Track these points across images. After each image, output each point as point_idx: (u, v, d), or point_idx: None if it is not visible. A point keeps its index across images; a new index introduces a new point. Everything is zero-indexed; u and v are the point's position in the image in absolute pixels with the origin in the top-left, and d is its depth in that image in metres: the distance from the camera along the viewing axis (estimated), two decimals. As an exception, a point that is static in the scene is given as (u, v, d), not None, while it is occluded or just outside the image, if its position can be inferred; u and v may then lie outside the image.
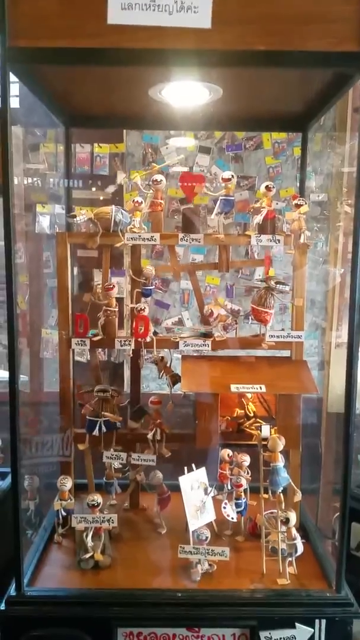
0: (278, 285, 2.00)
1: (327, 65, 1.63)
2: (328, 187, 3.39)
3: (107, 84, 1.92)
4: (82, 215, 2.03)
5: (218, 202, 2.05)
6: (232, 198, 2.05)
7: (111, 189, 2.90)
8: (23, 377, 3.28)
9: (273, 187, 2.05)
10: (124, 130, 3.40)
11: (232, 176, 2.03)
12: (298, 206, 2.03)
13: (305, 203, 2.02)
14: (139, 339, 2.04)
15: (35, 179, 3.43)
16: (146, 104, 2.06)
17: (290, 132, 3.02)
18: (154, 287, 2.20)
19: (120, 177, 2.14)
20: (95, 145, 3.40)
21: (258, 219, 2.03)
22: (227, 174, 2.03)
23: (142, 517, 2.30)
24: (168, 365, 2.19)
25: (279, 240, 2.02)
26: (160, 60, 1.57)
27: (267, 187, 2.04)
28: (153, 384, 3.28)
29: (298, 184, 2.54)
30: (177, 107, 2.06)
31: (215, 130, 3.16)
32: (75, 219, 2.02)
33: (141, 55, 1.54)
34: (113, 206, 2.05)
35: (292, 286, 2.08)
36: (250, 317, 3.39)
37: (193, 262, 3.06)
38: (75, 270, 3.37)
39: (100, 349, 3.43)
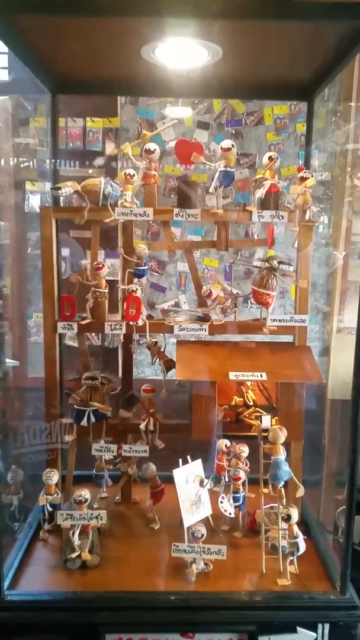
0: (281, 266, 1.81)
1: (338, 17, 1.43)
2: (332, 166, 3.19)
3: (96, 41, 1.70)
4: (68, 187, 1.83)
5: (217, 174, 1.85)
6: (232, 170, 1.85)
7: (100, 161, 2.68)
8: (12, 362, 3.10)
9: (277, 157, 1.85)
10: (118, 104, 3.19)
11: (232, 146, 1.83)
12: (303, 179, 1.83)
13: (312, 176, 1.82)
14: (130, 322, 1.85)
15: (24, 156, 3.22)
16: (138, 67, 1.85)
17: (294, 100, 2.80)
18: (147, 267, 2.01)
19: (110, 148, 1.94)
20: (88, 119, 3.18)
21: (260, 193, 1.83)
22: (226, 143, 1.83)
23: (134, 511, 2.13)
24: (162, 349, 2.00)
25: (282, 217, 1.83)
26: (153, 9, 1.36)
27: (270, 157, 1.84)
28: (149, 369, 3.10)
29: (303, 159, 2.34)
30: (172, 70, 1.85)
31: (213, 98, 2.93)
32: (60, 192, 1.82)
33: (132, 3, 1.34)
34: (102, 178, 1.85)
35: (295, 267, 1.89)
36: (249, 301, 3.21)
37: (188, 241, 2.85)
38: (67, 251, 3.19)
39: (93, 334, 3.25)
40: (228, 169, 1.84)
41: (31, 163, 3.26)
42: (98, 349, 3.25)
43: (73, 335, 2.22)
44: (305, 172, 1.84)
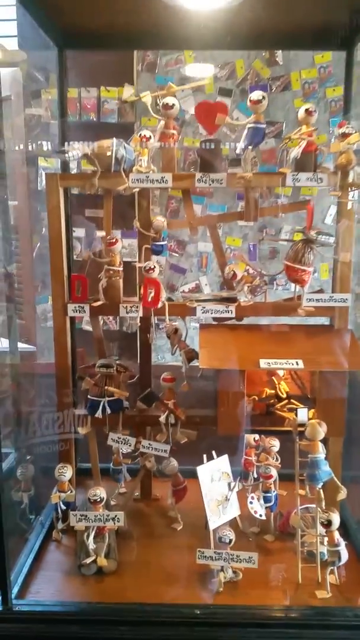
0: (320, 237, 1.55)
1: None
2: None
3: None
4: (76, 150, 1.59)
5: (245, 131, 1.59)
6: (263, 126, 1.58)
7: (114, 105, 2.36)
8: (27, 347, 2.90)
9: (315, 111, 1.57)
10: (134, 72, 2.91)
11: (263, 97, 1.56)
12: (346, 135, 1.55)
13: (356, 131, 1.54)
14: (149, 308, 1.62)
15: (37, 131, 2.98)
16: (155, 13, 1.59)
17: (331, 49, 2.49)
18: (166, 243, 1.77)
19: (128, 93, 1.68)
20: (102, 89, 2.92)
21: (295, 152, 1.56)
22: (256, 95, 1.56)
23: (154, 509, 1.92)
24: (183, 338, 1.77)
25: (321, 179, 1.56)
26: None
27: (307, 110, 1.56)
28: (169, 355, 2.86)
29: (334, 126, 2.04)
30: (194, 14, 1.58)
31: (239, 49, 2.61)
32: (66, 155, 1.58)
33: None
34: (114, 139, 1.60)
35: (336, 238, 1.63)
36: (275, 282, 2.96)
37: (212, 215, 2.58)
38: (83, 232, 2.96)
39: (111, 318, 3.03)
40: (258, 124, 1.57)
41: (46, 143, 3.02)
42: (116, 334, 3.03)
43: (89, 321, 2.01)
44: (347, 127, 1.56)
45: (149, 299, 1.64)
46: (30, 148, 3.01)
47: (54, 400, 1.81)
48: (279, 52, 2.84)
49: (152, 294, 1.64)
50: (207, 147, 1.58)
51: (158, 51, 2.85)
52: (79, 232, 2.87)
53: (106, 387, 1.69)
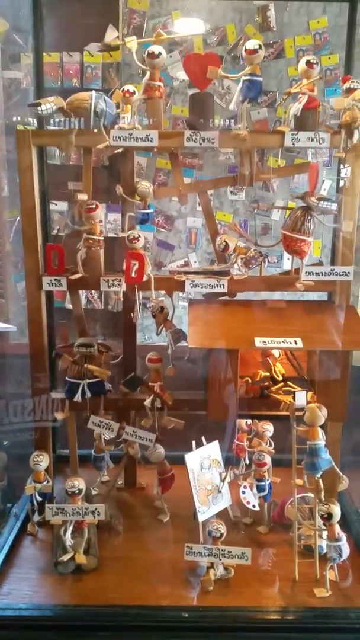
0: (321, 203, 1.35)
1: None
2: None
3: None
4: (50, 103, 1.36)
5: (239, 85, 1.37)
6: (259, 78, 1.37)
7: (93, 47, 2.11)
8: (5, 327, 2.68)
9: (316, 63, 1.36)
10: (120, 35, 2.66)
11: (260, 47, 1.35)
12: (351, 91, 1.35)
13: (362, 85, 1.33)
14: (132, 284, 1.42)
15: (16, 97, 2.72)
16: None
17: (334, 0, 2.26)
18: (152, 211, 1.56)
19: (112, 36, 1.46)
20: (86, 53, 2.66)
21: (295, 108, 1.35)
22: (252, 44, 1.35)
23: (139, 498, 1.74)
24: (170, 318, 1.57)
25: (323, 139, 1.35)
26: None
27: (308, 62, 1.35)
28: (156, 335, 2.67)
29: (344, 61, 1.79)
30: None
31: None
32: (39, 109, 1.36)
33: None
34: (93, 91, 1.38)
35: (338, 206, 1.43)
36: (267, 259, 2.76)
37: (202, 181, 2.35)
38: (65, 206, 2.73)
39: (95, 296, 2.82)
40: (254, 77, 1.36)
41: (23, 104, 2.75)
42: (101, 312, 2.82)
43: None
44: (352, 81, 1.35)
45: (133, 274, 1.44)
46: (9, 121, 2.76)
47: (25, 383, 1.61)
48: (272, 17, 2.60)
49: (136, 268, 1.43)
50: (197, 96, 1.36)
51: (145, 14, 2.60)
52: (61, 205, 2.65)
53: (86, 366, 1.49)
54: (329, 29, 2.64)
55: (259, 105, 2.67)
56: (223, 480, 1.44)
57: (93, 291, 2.74)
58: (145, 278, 1.45)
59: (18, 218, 2.80)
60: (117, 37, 1.46)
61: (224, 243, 1.49)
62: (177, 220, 2.79)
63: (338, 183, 1.47)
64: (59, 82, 2.67)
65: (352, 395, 2.27)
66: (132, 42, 1.43)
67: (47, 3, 1.73)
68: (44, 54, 2.48)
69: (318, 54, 2.66)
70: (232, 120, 1.36)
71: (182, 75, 2.55)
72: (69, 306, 2.58)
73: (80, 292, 2.51)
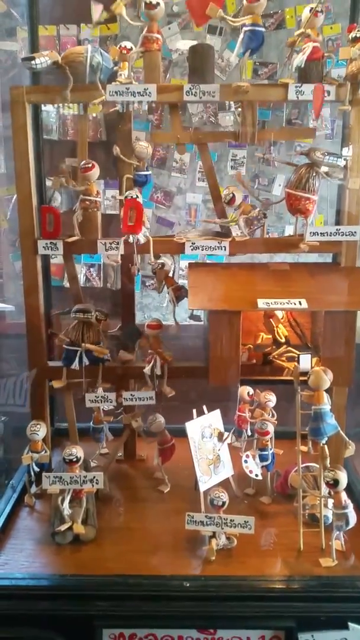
0: (327, 158, 1.28)
1: None
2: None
3: None
4: (44, 57, 1.28)
5: (241, 36, 1.30)
6: (262, 29, 1.30)
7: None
8: (6, 307, 2.62)
9: (321, 11, 1.29)
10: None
11: (262, -7, 1.27)
12: (356, 40, 1.27)
13: (369, 33, 1.26)
14: (129, 234, 1.34)
15: (12, 72, 2.64)
16: None
17: None
18: (150, 173, 1.49)
19: (98, 12, 1.38)
20: (83, 25, 2.58)
21: (299, 59, 1.28)
22: (254, -10, 1.27)
23: (139, 470, 1.67)
24: (170, 275, 1.49)
25: (328, 92, 1.28)
26: None
27: (312, 11, 1.28)
28: (156, 313, 2.61)
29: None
30: None
31: None
32: (33, 63, 1.28)
33: None
34: (88, 45, 1.31)
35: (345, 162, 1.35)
36: (268, 231, 2.69)
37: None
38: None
39: (94, 273, 2.75)
40: (256, 27, 1.28)
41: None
42: (100, 291, 2.76)
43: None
44: (358, 30, 1.28)
45: (130, 222, 1.35)
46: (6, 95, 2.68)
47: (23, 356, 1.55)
48: (274, -15, 2.51)
49: (134, 217, 1.35)
50: (197, 48, 1.29)
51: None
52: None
53: (83, 345, 1.42)
54: (330, -3, 2.56)
55: (259, 77, 2.59)
56: (223, 441, 1.37)
57: (92, 268, 2.68)
58: (143, 239, 1.37)
59: (15, 196, 2.73)
60: (103, 10, 1.38)
61: (231, 194, 1.41)
62: (177, 197, 2.72)
63: (343, 139, 1.39)
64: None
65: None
66: (120, 7, 1.35)
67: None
68: (40, 26, 2.39)
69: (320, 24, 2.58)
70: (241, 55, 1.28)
71: (181, 45, 2.47)
72: (67, 284, 2.52)
73: (79, 269, 2.44)
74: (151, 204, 2.70)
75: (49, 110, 2.33)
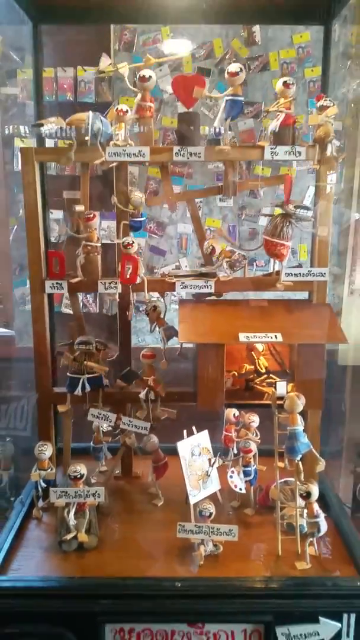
0: (298, 210, 1.52)
1: None
2: (343, 115, 2.85)
3: None
4: (51, 124, 1.53)
5: (222, 104, 1.55)
6: (241, 98, 1.54)
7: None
8: (5, 331, 2.84)
9: (292, 83, 1.54)
10: (112, 51, 2.84)
11: (241, 69, 1.52)
12: (324, 108, 1.53)
13: (333, 104, 1.51)
14: (126, 285, 1.58)
15: (12, 111, 2.89)
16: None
17: (308, 24, 2.44)
18: (145, 220, 1.73)
19: (105, 63, 1.63)
20: (79, 68, 2.84)
21: (274, 125, 1.53)
22: (234, 67, 1.52)
23: (135, 486, 1.89)
24: (162, 316, 1.73)
25: (299, 152, 1.53)
26: None
27: (285, 83, 1.53)
28: (149, 337, 2.83)
29: (313, 107, 2.01)
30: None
31: (216, 23, 2.52)
32: (42, 129, 1.52)
33: None
34: (90, 112, 1.55)
35: (314, 213, 1.60)
36: (255, 264, 2.94)
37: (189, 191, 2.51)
38: (61, 214, 2.89)
39: (90, 300, 2.98)
40: (236, 97, 1.53)
41: (22, 125, 2.93)
42: (96, 317, 2.98)
43: (70, 303, 1.96)
44: (325, 99, 1.53)
45: (127, 276, 1.60)
46: (7, 131, 2.92)
47: (32, 382, 1.77)
48: (257, 31, 2.79)
49: (130, 270, 1.60)
50: (184, 116, 1.53)
51: (135, 30, 2.78)
52: (57, 214, 2.81)
53: (85, 363, 1.65)
54: (311, 42, 2.83)
55: (245, 116, 2.85)
56: (212, 465, 1.59)
57: (88, 295, 2.91)
58: (138, 280, 1.61)
59: (15, 226, 2.96)
60: (110, 64, 1.63)
61: (210, 247, 1.66)
62: (169, 227, 2.97)
63: (316, 192, 1.64)
64: (54, 96, 2.86)
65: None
66: (124, 68, 1.60)
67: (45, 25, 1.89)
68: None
69: (302, 67, 2.86)
70: (218, 129, 1.52)
71: (171, 88, 2.73)
72: (65, 310, 2.75)
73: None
74: (144, 234, 2.95)
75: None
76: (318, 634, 1.37)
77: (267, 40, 2.81)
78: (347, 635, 1.38)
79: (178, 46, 2.66)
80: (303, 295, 1.72)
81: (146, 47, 2.80)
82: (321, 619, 1.37)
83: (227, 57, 2.83)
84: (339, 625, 1.37)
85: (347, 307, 2.84)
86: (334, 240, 2.95)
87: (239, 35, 2.82)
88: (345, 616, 1.36)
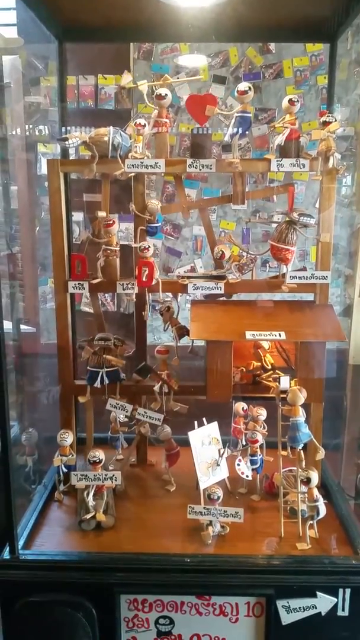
0: (301, 218, 1.69)
1: None
2: (355, 120, 3.00)
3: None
4: (75, 138, 1.71)
5: (232, 120, 1.72)
6: (249, 114, 1.71)
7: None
8: (28, 328, 3.05)
9: (297, 100, 1.70)
10: (131, 60, 3.03)
11: (249, 89, 1.69)
12: (326, 124, 1.68)
13: (335, 120, 1.67)
14: (143, 287, 1.77)
15: (36, 117, 3.10)
16: (149, 9, 1.72)
17: (315, 42, 2.60)
18: (160, 225, 1.91)
19: (127, 79, 1.81)
20: (100, 76, 3.04)
21: (279, 139, 1.69)
22: (243, 86, 1.69)
23: (149, 473, 2.08)
24: (175, 316, 1.91)
25: (303, 165, 1.69)
26: None
27: (290, 100, 1.70)
28: (165, 335, 3.01)
29: (326, 101, 2.15)
30: (186, 10, 1.71)
31: (229, 42, 2.73)
32: (66, 143, 1.71)
33: None
34: (111, 127, 1.73)
35: (317, 220, 1.76)
36: (268, 265, 3.10)
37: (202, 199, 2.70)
38: (81, 216, 3.09)
39: (108, 299, 3.18)
40: (245, 113, 1.70)
41: (44, 128, 3.14)
42: (114, 315, 3.18)
43: (89, 302, 2.15)
44: (328, 115, 1.69)
45: (144, 279, 1.78)
46: (29, 134, 3.13)
47: (54, 376, 1.97)
48: (272, 41, 2.95)
49: (147, 273, 1.78)
50: (198, 133, 1.71)
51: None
52: (78, 216, 3.01)
53: (104, 356, 1.84)
54: (324, 50, 2.99)
55: (259, 122, 3.02)
56: (221, 456, 1.77)
57: (106, 295, 3.11)
58: (154, 282, 1.79)
59: (38, 227, 3.17)
60: (131, 80, 1.81)
61: (220, 252, 1.83)
62: (184, 229, 3.16)
63: (319, 200, 1.80)
64: (76, 103, 3.06)
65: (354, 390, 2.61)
66: (143, 86, 1.78)
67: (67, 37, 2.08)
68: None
69: (315, 74, 3.02)
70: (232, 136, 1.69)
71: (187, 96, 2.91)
72: (84, 308, 2.95)
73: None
74: (161, 236, 3.14)
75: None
76: (315, 607, 1.54)
77: (280, 49, 2.98)
78: (343, 609, 1.54)
79: (194, 59, 2.84)
80: (310, 297, 1.89)
81: (164, 56, 2.99)
82: (318, 593, 1.53)
83: (242, 65, 3.00)
84: (335, 599, 1.53)
85: (358, 307, 2.98)
86: (345, 242, 3.11)
87: (254, 44, 2.99)
88: (340, 591, 1.53)
